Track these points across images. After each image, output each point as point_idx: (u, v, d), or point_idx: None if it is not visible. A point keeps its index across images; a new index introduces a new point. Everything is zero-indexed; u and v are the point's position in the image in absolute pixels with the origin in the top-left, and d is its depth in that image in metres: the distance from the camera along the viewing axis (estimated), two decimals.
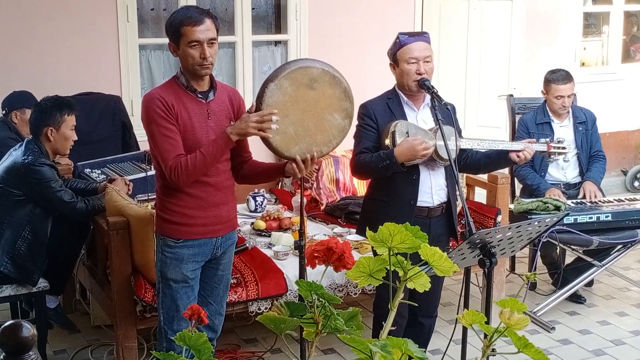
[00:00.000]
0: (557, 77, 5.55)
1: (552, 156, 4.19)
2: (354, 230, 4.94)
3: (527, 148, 3.97)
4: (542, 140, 4.21)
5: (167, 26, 3.45)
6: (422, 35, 3.98)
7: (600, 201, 5.43)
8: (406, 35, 3.94)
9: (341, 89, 3.51)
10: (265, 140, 3.44)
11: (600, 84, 8.08)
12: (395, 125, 3.82)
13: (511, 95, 6.24)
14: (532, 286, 5.71)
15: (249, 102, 6.23)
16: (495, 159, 4.07)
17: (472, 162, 4.14)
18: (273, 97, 3.39)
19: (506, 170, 6.08)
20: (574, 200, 5.42)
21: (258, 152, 3.83)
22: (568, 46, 7.98)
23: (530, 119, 5.68)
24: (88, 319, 5.14)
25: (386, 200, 3.95)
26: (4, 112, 5.16)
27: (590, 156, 5.70)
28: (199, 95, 3.48)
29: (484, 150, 4.12)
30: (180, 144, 3.39)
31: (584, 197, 5.48)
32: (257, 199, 5.66)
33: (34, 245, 4.40)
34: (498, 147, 4.07)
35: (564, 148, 4.17)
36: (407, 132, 3.82)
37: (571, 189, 5.62)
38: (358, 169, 3.99)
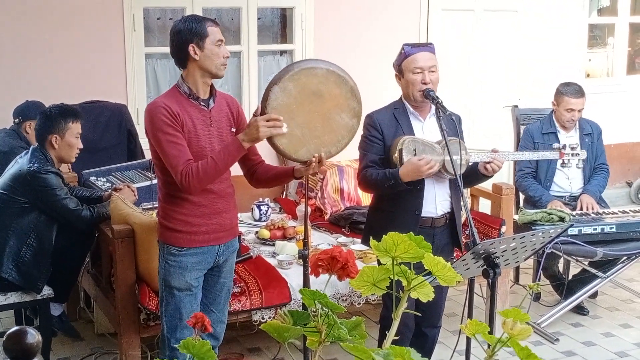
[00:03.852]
0: (570, 90, 5.56)
1: (565, 161, 4.18)
2: (358, 240, 4.94)
3: (494, 160, 3.94)
4: (556, 145, 4.20)
5: (188, 29, 3.43)
6: (426, 46, 4.00)
7: (604, 212, 5.43)
8: (410, 45, 3.96)
9: (347, 88, 3.49)
10: (273, 144, 3.43)
11: (605, 95, 8.07)
12: (402, 143, 3.82)
13: (516, 106, 6.25)
14: (536, 297, 5.70)
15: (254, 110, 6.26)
16: (468, 172, 4.00)
17: None
18: (278, 100, 3.37)
19: (511, 181, 6.09)
20: (578, 212, 5.42)
21: (264, 156, 3.83)
22: (573, 57, 7.98)
23: (536, 129, 5.68)
24: (92, 327, 5.15)
25: (391, 211, 3.96)
26: (17, 120, 5.16)
27: (594, 168, 5.70)
28: (202, 103, 3.49)
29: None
30: (187, 150, 3.40)
31: (581, 209, 5.48)
32: (262, 208, 5.67)
33: (38, 253, 4.42)
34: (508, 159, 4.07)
35: (577, 154, 4.17)
36: (415, 150, 3.82)
37: (576, 201, 5.61)
38: (364, 184, 4.01)
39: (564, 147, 4.25)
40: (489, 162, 3.92)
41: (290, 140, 3.42)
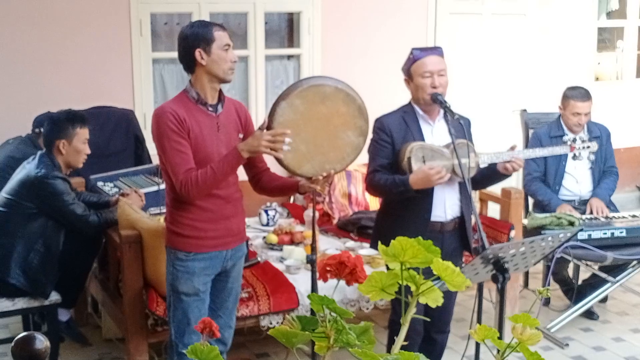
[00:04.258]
0: (576, 94, 5.53)
1: (576, 154, 4.17)
2: (367, 245, 4.93)
3: (514, 159, 3.92)
4: (567, 137, 4.18)
5: (194, 34, 3.44)
6: (435, 50, 3.99)
7: (614, 217, 5.40)
8: (419, 49, 3.95)
9: (355, 106, 3.49)
10: (277, 158, 3.43)
11: (614, 98, 8.05)
12: (411, 151, 3.80)
13: (524, 110, 6.23)
14: (546, 302, 5.68)
15: (261, 115, 6.27)
16: (487, 173, 4.02)
17: None
18: (284, 116, 3.38)
19: (520, 185, 6.06)
20: (588, 216, 5.39)
21: (270, 165, 3.82)
22: (582, 61, 7.96)
23: (544, 133, 5.65)
24: (100, 332, 5.14)
25: (400, 215, 3.94)
26: (37, 130, 5.11)
27: (603, 171, 5.67)
28: (210, 109, 3.49)
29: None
30: (191, 157, 3.40)
31: (591, 213, 5.45)
32: (269, 212, 5.66)
33: (46, 259, 4.41)
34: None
35: (588, 147, 4.17)
36: (423, 157, 3.81)
37: (584, 205, 5.58)
38: (372, 188, 3.99)
39: (575, 140, 4.25)
40: (509, 162, 3.90)
41: (295, 156, 3.41)
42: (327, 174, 3.49)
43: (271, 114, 3.41)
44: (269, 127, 3.39)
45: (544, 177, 5.62)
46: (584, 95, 5.53)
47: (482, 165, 3.96)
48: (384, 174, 3.87)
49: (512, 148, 3.99)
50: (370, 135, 3.81)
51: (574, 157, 5.49)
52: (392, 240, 1.70)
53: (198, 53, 3.42)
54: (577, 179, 5.61)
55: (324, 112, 3.44)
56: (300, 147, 3.41)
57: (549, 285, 5.38)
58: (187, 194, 3.39)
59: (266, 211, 5.66)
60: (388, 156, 3.92)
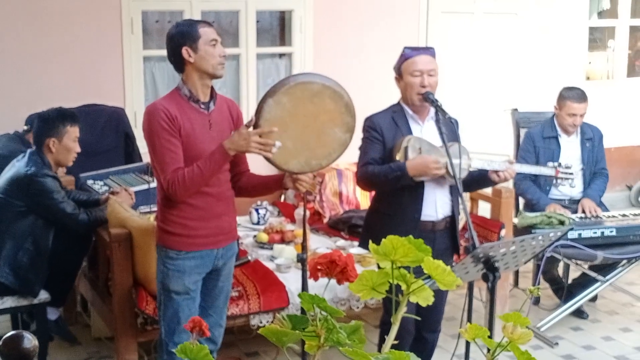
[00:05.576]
0: (573, 94, 5.54)
1: (558, 181, 4.22)
2: (357, 244, 4.92)
3: (508, 169, 3.93)
4: (550, 164, 4.24)
5: (180, 32, 3.44)
6: (427, 50, 3.99)
7: (604, 216, 5.41)
8: (411, 49, 3.95)
9: (342, 103, 3.48)
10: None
11: (605, 98, 8.06)
12: (408, 141, 3.80)
13: (516, 110, 6.23)
14: (536, 301, 5.68)
15: (252, 113, 6.25)
16: (477, 177, 4.02)
17: None
18: (271, 113, 3.37)
19: (510, 184, 6.07)
20: (578, 215, 5.40)
21: (256, 163, 3.80)
22: (573, 60, 7.97)
23: (537, 133, 5.65)
24: (89, 331, 5.12)
25: (390, 214, 3.93)
26: (27, 128, 5.06)
27: (594, 173, 5.67)
28: (202, 106, 3.48)
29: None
30: (180, 157, 3.38)
31: (583, 212, 5.46)
32: (260, 211, 5.65)
33: (35, 257, 4.39)
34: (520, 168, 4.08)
35: (571, 174, 4.19)
36: (420, 149, 3.81)
37: (575, 204, 5.59)
38: (365, 179, 3.95)
39: (559, 164, 4.28)
40: (501, 170, 3.90)
41: (281, 152, 3.40)
42: (314, 173, 3.49)
43: (258, 111, 3.39)
44: (256, 124, 3.37)
45: (535, 177, 5.62)
46: (581, 96, 5.54)
47: (472, 169, 3.96)
48: (377, 166, 3.86)
49: (511, 162, 4.00)
50: (358, 135, 3.79)
51: (554, 184, 5.48)
52: (383, 239, 1.70)
53: (185, 51, 3.42)
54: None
55: (311, 109, 3.42)
56: (287, 144, 3.40)
57: (539, 284, 5.38)
58: (174, 192, 3.38)
59: (257, 210, 5.65)
60: (380, 152, 3.90)
